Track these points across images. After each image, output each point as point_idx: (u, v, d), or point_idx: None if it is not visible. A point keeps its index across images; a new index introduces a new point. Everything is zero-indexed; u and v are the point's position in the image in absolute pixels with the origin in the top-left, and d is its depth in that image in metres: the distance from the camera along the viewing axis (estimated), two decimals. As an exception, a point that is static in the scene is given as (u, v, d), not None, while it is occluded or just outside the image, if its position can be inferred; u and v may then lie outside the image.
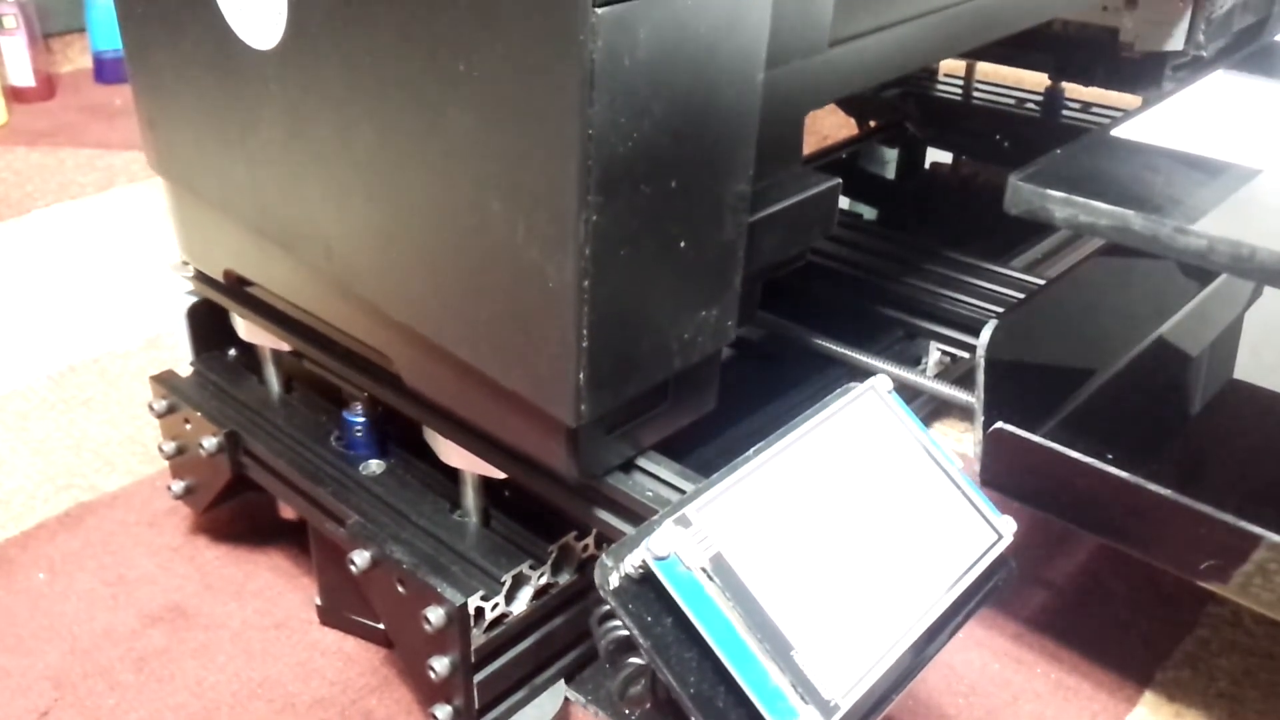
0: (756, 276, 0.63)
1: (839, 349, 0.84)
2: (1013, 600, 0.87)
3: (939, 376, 0.84)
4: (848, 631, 0.52)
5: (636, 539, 0.50)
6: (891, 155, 1.34)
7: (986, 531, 0.59)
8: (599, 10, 0.45)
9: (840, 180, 0.66)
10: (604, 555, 0.50)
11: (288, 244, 0.69)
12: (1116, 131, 0.78)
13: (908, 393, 0.89)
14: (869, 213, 1.32)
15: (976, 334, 0.72)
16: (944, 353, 0.93)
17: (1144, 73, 1.08)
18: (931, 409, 1.05)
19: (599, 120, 0.47)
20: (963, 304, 0.92)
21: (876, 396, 0.61)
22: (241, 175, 0.69)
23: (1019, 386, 0.73)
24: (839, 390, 0.61)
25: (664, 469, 0.62)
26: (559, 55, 0.46)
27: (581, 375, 0.53)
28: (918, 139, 1.33)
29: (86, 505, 0.96)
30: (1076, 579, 0.90)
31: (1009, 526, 0.60)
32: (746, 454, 0.55)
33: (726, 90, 0.52)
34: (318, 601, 0.83)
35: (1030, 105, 1.30)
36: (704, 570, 0.50)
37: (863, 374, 0.84)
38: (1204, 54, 1.01)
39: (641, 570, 0.50)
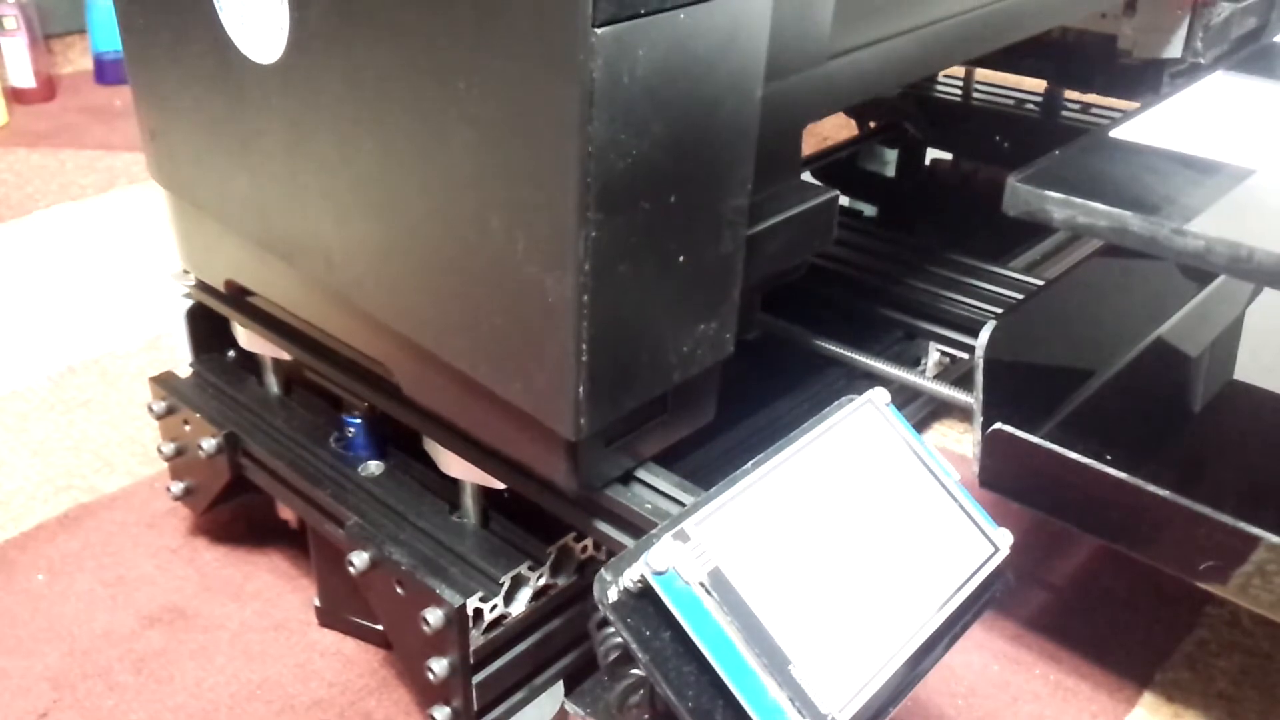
0: (755, 288, 0.63)
1: (838, 350, 0.84)
2: (1011, 601, 0.87)
3: (938, 377, 0.84)
4: (845, 645, 0.52)
5: (635, 553, 0.50)
6: (891, 156, 1.33)
7: (983, 544, 0.59)
8: (598, 29, 0.45)
9: (838, 192, 0.66)
10: (603, 570, 0.51)
11: (288, 255, 0.69)
12: (1115, 133, 0.78)
13: (907, 393, 0.89)
14: (869, 209, 1.31)
15: (976, 335, 0.71)
16: (943, 353, 0.93)
17: (1142, 80, 1.08)
18: (931, 410, 1.05)
19: (599, 137, 0.47)
20: (962, 304, 0.91)
21: (874, 409, 0.60)
22: (243, 187, 0.69)
23: (1018, 387, 0.73)
24: (836, 403, 0.61)
25: (663, 481, 0.62)
26: (559, 73, 0.46)
27: (581, 389, 0.53)
28: (918, 140, 1.32)
29: (86, 506, 0.96)
30: (1076, 579, 0.90)
31: (1005, 539, 0.60)
32: (744, 467, 0.55)
33: (725, 106, 0.52)
34: (317, 603, 0.83)
35: (1030, 106, 1.30)
36: (702, 585, 0.50)
37: (861, 376, 0.84)
38: (1202, 61, 1.00)
39: (640, 585, 0.50)
